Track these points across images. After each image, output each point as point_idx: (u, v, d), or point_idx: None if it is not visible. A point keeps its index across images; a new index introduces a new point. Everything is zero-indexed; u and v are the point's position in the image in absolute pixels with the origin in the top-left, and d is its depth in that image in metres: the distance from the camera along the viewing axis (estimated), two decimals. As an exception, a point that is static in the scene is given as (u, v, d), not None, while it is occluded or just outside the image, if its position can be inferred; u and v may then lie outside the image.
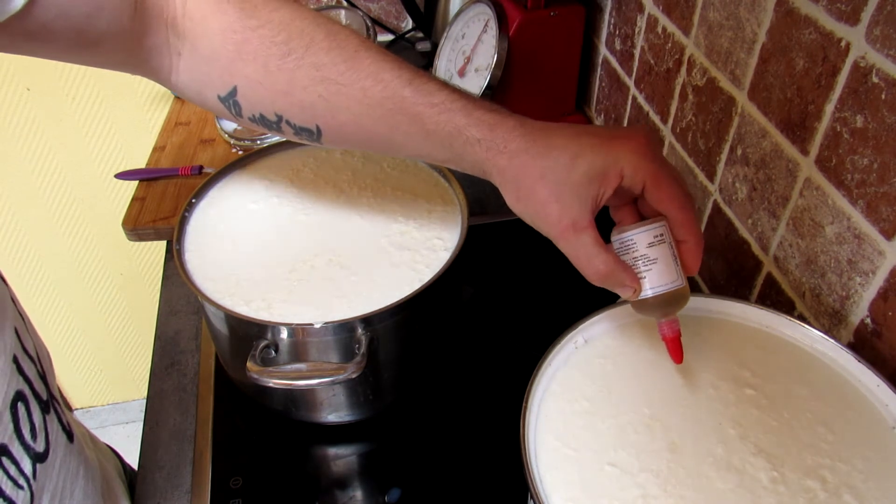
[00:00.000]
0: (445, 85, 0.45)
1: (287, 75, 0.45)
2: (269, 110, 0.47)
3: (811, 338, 0.48)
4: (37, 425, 0.42)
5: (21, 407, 0.40)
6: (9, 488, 0.38)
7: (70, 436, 0.47)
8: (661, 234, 0.43)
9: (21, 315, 0.45)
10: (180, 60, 0.47)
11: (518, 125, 0.43)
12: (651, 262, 0.43)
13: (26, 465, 0.40)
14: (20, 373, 0.41)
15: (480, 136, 0.43)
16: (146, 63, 0.47)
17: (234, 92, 0.47)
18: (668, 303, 0.44)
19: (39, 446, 0.42)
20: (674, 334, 0.45)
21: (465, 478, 0.58)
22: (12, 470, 0.39)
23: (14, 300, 0.44)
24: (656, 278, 0.43)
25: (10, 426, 0.39)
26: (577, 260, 0.43)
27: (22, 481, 0.40)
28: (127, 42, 0.45)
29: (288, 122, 0.47)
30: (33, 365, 0.44)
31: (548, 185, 0.42)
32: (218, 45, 0.46)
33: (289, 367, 0.51)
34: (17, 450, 0.39)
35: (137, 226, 0.82)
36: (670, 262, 0.43)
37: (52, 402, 0.45)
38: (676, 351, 0.45)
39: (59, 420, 0.46)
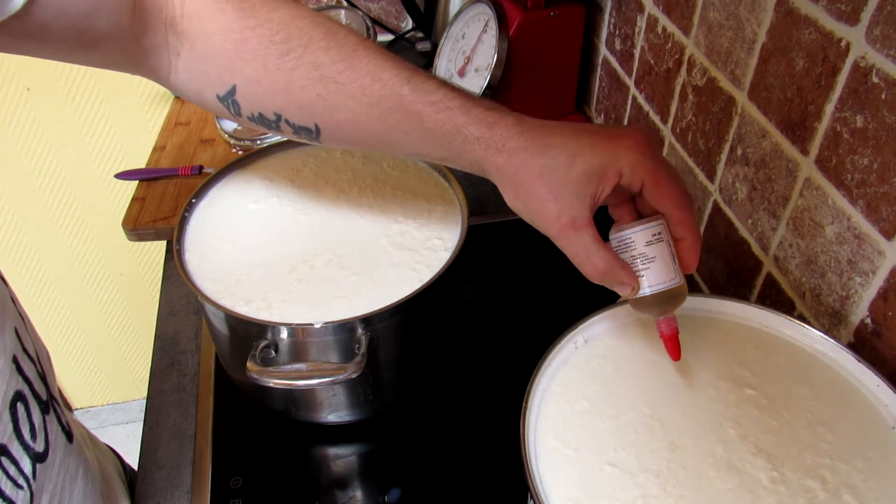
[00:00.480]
0: (444, 83, 0.45)
1: (286, 74, 0.45)
2: (269, 109, 0.47)
3: (811, 338, 0.48)
4: (36, 425, 0.42)
5: (20, 407, 0.40)
6: (8, 488, 0.38)
7: (69, 436, 0.47)
8: (659, 233, 0.44)
9: (21, 315, 0.45)
10: (179, 60, 0.47)
11: (516, 123, 0.43)
12: (649, 260, 0.43)
13: (26, 464, 0.40)
14: (20, 373, 0.41)
15: (479, 133, 0.43)
16: (145, 63, 0.47)
17: (232, 91, 0.47)
18: (665, 301, 0.44)
19: (39, 446, 0.42)
20: (671, 332, 0.45)
21: (465, 478, 0.58)
22: (12, 470, 0.39)
23: (14, 300, 0.44)
24: (654, 276, 0.43)
25: (10, 426, 0.39)
26: (576, 258, 0.43)
27: (21, 481, 0.40)
28: (126, 42, 0.44)
29: (287, 121, 0.47)
30: (33, 365, 0.44)
31: (546, 183, 0.42)
32: (217, 44, 0.45)
33: (289, 367, 0.51)
34: (16, 450, 0.39)
35: (137, 226, 0.82)
36: (668, 261, 0.44)
37: (52, 403, 0.45)
38: (674, 348, 0.45)
39: (59, 420, 0.46)
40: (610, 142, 0.42)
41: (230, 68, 0.46)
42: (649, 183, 0.41)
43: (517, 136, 0.42)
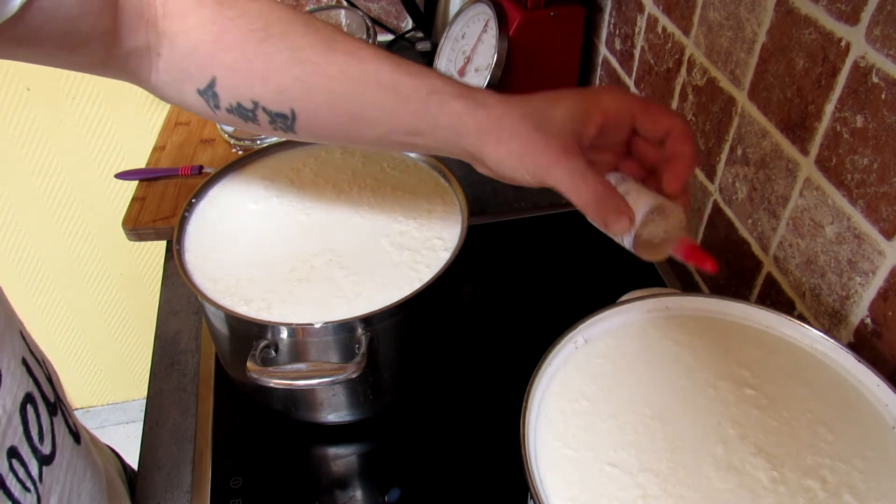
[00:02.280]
0: (424, 65, 0.45)
1: (264, 60, 0.45)
2: (246, 98, 0.47)
3: (811, 338, 0.48)
4: (44, 427, 0.42)
5: (30, 409, 0.40)
6: (17, 491, 0.38)
7: (77, 437, 0.47)
8: (623, 176, 0.44)
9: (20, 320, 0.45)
10: (160, 60, 0.47)
11: (494, 92, 0.44)
12: (626, 195, 0.42)
13: (33, 467, 0.40)
14: (29, 374, 0.41)
15: (458, 92, 0.43)
16: (126, 65, 0.47)
17: (212, 83, 0.46)
18: (662, 216, 0.42)
19: (46, 448, 0.42)
20: (691, 247, 0.41)
21: (465, 478, 0.58)
22: (21, 472, 0.39)
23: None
24: (638, 203, 0.42)
25: (20, 428, 0.39)
26: (571, 184, 0.40)
27: (29, 484, 0.40)
28: (108, 45, 0.44)
29: (264, 109, 0.47)
30: (40, 367, 0.44)
31: (531, 121, 0.41)
32: (197, 38, 0.45)
33: (289, 367, 0.51)
34: (26, 452, 0.39)
35: (137, 226, 0.82)
36: (644, 190, 0.43)
37: (60, 405, 0.45)
38: (703, 258, 0.41)
39: (66, 422, 0.46)
40: (589, 91, 0.43)
41: (210, 60, 0.46)
42: (640, 110, 0.41)
43: (495, 96, 0.43)
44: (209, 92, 0.47)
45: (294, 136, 0.49)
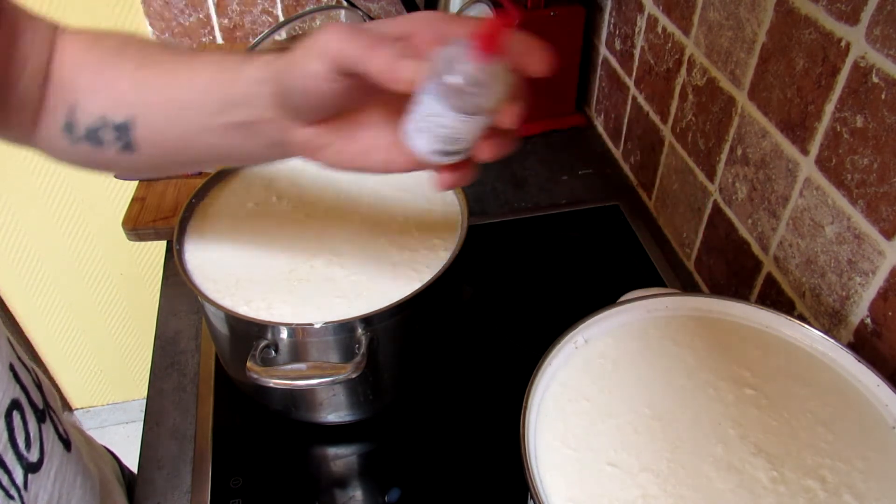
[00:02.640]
0: None
1: (114, 70, 0.44)
2: (94, 114, 0.44)
3: (811, 338, 0.48)
4: (31, 434, 0.42)
5: (17, 416, 0.40)
6: (0, 498, 0.38)
7: (67, 444, 0.47)
8: None
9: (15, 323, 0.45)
10: (46, 106, 0.45)
11: None
12: None
13: (18, 474, 0.40)
14: (16, 380, 0.41)
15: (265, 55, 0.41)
16: (20, 121, 0.45)
17: (72, 111, 0.45)
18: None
19: (33, 456, 0.42)
20: (480, 35, 0.33)
21: (465, 478, 0.58)
22: (4, 480, 0.39)
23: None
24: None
25: (5, 435, 0.39)
26: (343, 39, 0.35)
27: (13, 491, 0.40)
28: (7, 98, 0.43)
29: (108, 124, 0.44)
30: (28, 374, 0.44)
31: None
32: (67, 69, 0.44)
33: (289, 367, 0.51)
34: (10, 459, 0.39)
35: (137, 226, 0.82)
36: None
37: (48, 412, 0.45)
38: (496, 27, 0.33)
39: (56, 429, 0.46)
40: None
41: (72, 86, 0.44)
42: (445, 18, 0.37)
43: None
44: (70, 124, 0.45)
45: (136, 156, 0.45)
